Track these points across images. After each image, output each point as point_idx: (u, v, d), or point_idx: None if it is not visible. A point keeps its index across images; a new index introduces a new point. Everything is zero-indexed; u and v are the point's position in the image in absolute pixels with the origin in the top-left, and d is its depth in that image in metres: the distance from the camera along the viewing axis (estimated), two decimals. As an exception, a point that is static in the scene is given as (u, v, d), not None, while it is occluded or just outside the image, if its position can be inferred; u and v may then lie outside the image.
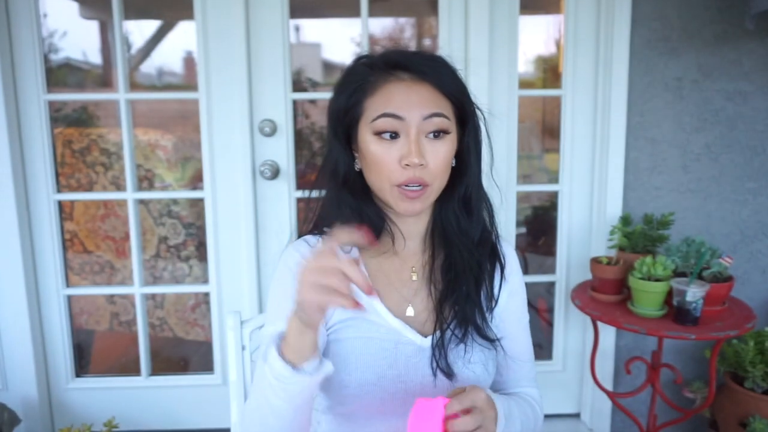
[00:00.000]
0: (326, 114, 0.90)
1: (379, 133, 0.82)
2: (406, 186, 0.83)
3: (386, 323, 0.88)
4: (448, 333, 0.87)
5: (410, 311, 0.90)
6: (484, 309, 0.91)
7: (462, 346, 0.88)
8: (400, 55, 0.85)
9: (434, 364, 0.87)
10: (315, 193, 0.94)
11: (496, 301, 0.92)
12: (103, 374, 2.01)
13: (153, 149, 2.01)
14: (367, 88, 0.84)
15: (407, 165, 0.81)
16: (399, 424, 0.91)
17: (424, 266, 0.93)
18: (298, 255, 0.91)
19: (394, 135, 0.82)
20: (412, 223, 0.91)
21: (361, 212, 0.89)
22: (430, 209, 0.92)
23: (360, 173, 0.88)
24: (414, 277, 0.92)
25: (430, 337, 0.88)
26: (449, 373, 0.87)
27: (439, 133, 0.83)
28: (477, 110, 0.90)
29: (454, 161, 0.88)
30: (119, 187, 1.95)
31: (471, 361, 0.89)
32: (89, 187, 1.97)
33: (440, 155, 0.83)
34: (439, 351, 0.87)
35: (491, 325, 0.92)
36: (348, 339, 0.88)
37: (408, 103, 0.81)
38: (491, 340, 0.90)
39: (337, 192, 0.89)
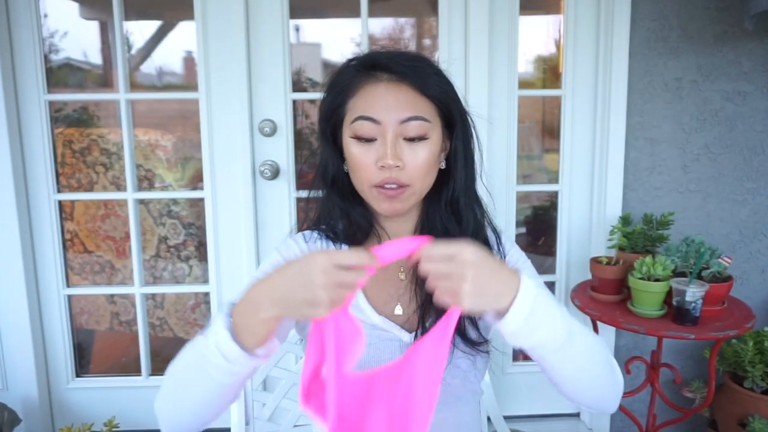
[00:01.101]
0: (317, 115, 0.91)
1: (357, 136, 0.83)
2: (383, 186, 0.83)
3: (369, 320, 0.89)
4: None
5: (398, 310, 0.90)
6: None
7: None
8: (381, 55, 0.85)
9: None
10: (312, 193, 0.94)
11: None
12: (104, 374, 2.01)
13: (153, 149, 2.01)
14: (350, 89, 0.85)
15: (383, 167, 0.81)
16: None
17: (411, 266, 0.93)
18: (297, 248, 0.92)
19: (372, 138, 0.82)
20: (398, 223, 0.91)
21: (348, 213, 0.90)
22: (418, 210, 0.91)
23: (348, 175, 0.89)
24: (402, 276, 0.92)
25: (413, 333, 0.89)
26: None
27: (416, 138, 0.82)
28: (466, 113, 0.89)
29: (443, 163, 0.88)
30: (119, 187, 1.95)
31: (455, 358, 0.88)
32: (89, 187, 1.97)
33: (419, 157, 0.82)
34: None
35: (482, 326, 0.91)
36: None
37: (385, 105, 0.81)
38: (476, 345, 0.89)
39: (327, 193, 0.91)
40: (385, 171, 0.81)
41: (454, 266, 0.65)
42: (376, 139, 0.82)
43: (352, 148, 0.84)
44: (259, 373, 1.26)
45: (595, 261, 1.67)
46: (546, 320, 0.70)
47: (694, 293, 1.45)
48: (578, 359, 0.75)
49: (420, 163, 0.82)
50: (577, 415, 2.03)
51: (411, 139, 0.82)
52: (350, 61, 0.88)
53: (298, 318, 0.68)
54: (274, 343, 0.73)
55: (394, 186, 0.83)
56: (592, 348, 0.77)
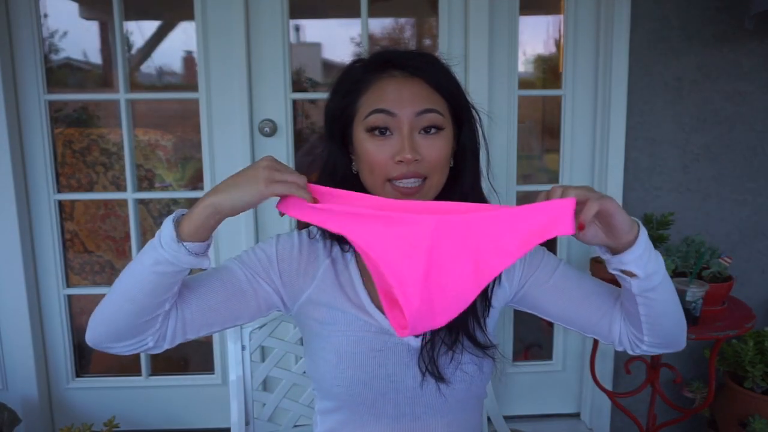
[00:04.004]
0: (323, 117, 0.90)
1: (371, 130, 0.82)
2: (400, 182, 0.82)
3: (377, 323, 0.88)
4: (438, 339, 0.87)
5: None
6: (479, 314, 0.90)
7: (451, 352, 0.87)
8: (392, 53, 0.86)
9: (423, 367, 0.87)
10: None
11: (490, 304, 0.91)
12: (104, 374, 2.01)
13: (153, 149, 2.01)
14: (360, 87, 0.84)
15: (400, 161, 0.80)
16: (392, 426, 0.90)
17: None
18: (297, 239, 0.91)
19: (388, 132, 0.82)
20: None
21: None
22: None
23: (357, 176, 0.88)
24: None
25: (420, 338, 0.88)
26: (439, 377, 0.87)
27: (432, 129, 0.82)
28: (473, 110, 0.89)
29: (451, 161, 0.88)
30: (119, 187, 1.95)
31: (463, 362, 0.88)
32: (89, 187, 1.97)
33: (435, 149, 0.82)
34: (428, 355, 0.86)
35: (488, 330, 0.91)
36: (339, 338, 0.88)
37: (400, 99, 0.81)
38: (484, 347, 0.89)
39: None
40: (403, 166, 0.81)
41: (595, 191, 0.75)
42: (391, 133, 0.82)
43: (366, 144, 0.83)
44: (259, 373, 1.26)
45: (596, 261, 1.67)
46: (653, 251, 0.81)
47: (694, 293, 1.45)
48: (672, 294, 0.84)
49: (436, 155, 0.82)
50: (577, 415, 2.03)
51: (426, 131, 0.82)
52: (356, 62, 0.88)
53: (233, 203, 0.73)
54: (204, 260, 0.79)
55: (413, 182, 0.82)
56: (671, 283, 0.85)
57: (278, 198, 0.76)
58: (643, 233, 0.78)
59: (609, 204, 0.74)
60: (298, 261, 0.89)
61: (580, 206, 0.72)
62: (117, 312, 0.78)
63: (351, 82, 0.85)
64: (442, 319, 0.74)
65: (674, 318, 0.86)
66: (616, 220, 0.75)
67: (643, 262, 0.77)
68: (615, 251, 0.79)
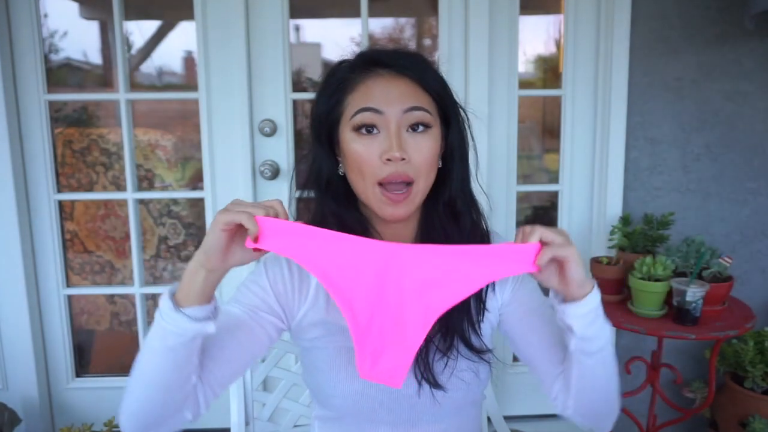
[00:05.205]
0: (309, 119, 0.89)
1: (358, 129, 0.81)
2: (389, 187, 0.80)
3: None
4: (432, 346, 0.85)
5: None
6: (474, 318, 0.88)
7: (446, 358, 0.86)
8: (378, 52, 0.85)
9: (419, 375, 0.86)
10: (302, 194, 0.92)
11: (485, 307, 0.90)
12: (104, 374, 2.01)
13: (153, 149, 2.01)
14: (347, 87, 0.83)
15: (388, 160, 0.79)
16: None
17: None
18: (284, 263, 0.89)
19: (374, 130, 0.80)
20: (397, 229, 0.89)
21: (343, 218, 0.86)
22: (416, 215, 0.89)
23: (344, 178, 0.87)
24: None
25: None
26: (435, 384, 0.86)
27: (420, 127, 0.81)
28: (461, 110, 0.88)
29: (439, 162, 0.86)
30: (119, 187, 1.95)
31: (458, 368, 0.87)
32: (89, 187, 1.97)
33: (423, 149, 0.81)
34: (423, 363, 0.85)
35: (483, 334, 0.90)
36: (333, 350, 0.87)
37: (387, 97, 0.80)
38: (480, 352, 0.88)
39: (320, 197, 0.88)
40: (391, 165, 0.79)
41: (565, 237, 0.73)
42: (378, 132, 0.80)
43: (354, 144, 0.81)
44: (259, 373, 1.26)
45: (596, 261, 1.67)
46: (601, 319, 0.78)
47: (694, 293, 1.44)
48: (608, 371, 0.82)
49: (424, 155, 0.81)
50: (578, 415, 2.03)
51: (414, 130, 0.81)
52: (341, 62, 0.87)
53: (206, 250, 0.71)
54: (209, 325, 0.74)
55: (399, 188, 0.81)
56: (614, 363, 0.83)
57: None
58: (595, 295, 0.76)
59: (567, 252, 0.72)
60: (290, 281, 0.88)
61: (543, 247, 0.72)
62: (146, 401, 0.76)
63: (337, 83, 0.84)
64: (390, 362, 0.75)
65: (604, 396, 0.84)
66: (570, 270, 0.73)
67: (585, 321, 0.76)
68: (566, 301, 0.77)
